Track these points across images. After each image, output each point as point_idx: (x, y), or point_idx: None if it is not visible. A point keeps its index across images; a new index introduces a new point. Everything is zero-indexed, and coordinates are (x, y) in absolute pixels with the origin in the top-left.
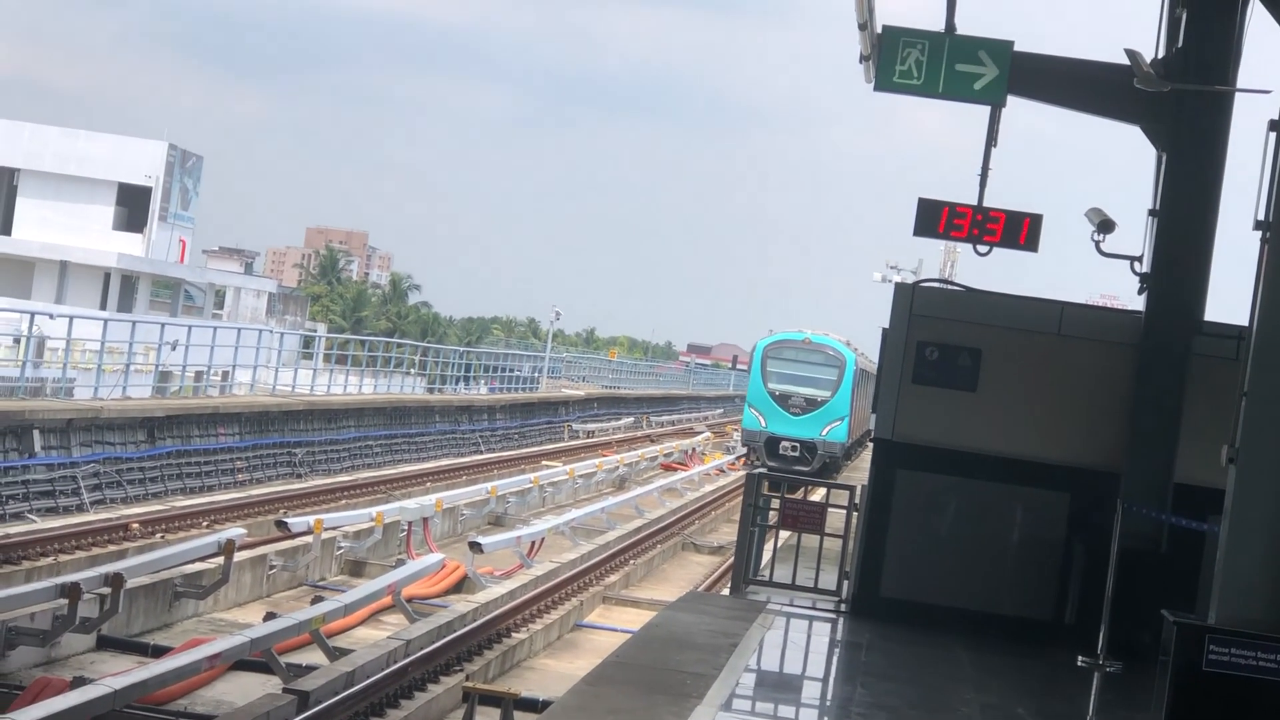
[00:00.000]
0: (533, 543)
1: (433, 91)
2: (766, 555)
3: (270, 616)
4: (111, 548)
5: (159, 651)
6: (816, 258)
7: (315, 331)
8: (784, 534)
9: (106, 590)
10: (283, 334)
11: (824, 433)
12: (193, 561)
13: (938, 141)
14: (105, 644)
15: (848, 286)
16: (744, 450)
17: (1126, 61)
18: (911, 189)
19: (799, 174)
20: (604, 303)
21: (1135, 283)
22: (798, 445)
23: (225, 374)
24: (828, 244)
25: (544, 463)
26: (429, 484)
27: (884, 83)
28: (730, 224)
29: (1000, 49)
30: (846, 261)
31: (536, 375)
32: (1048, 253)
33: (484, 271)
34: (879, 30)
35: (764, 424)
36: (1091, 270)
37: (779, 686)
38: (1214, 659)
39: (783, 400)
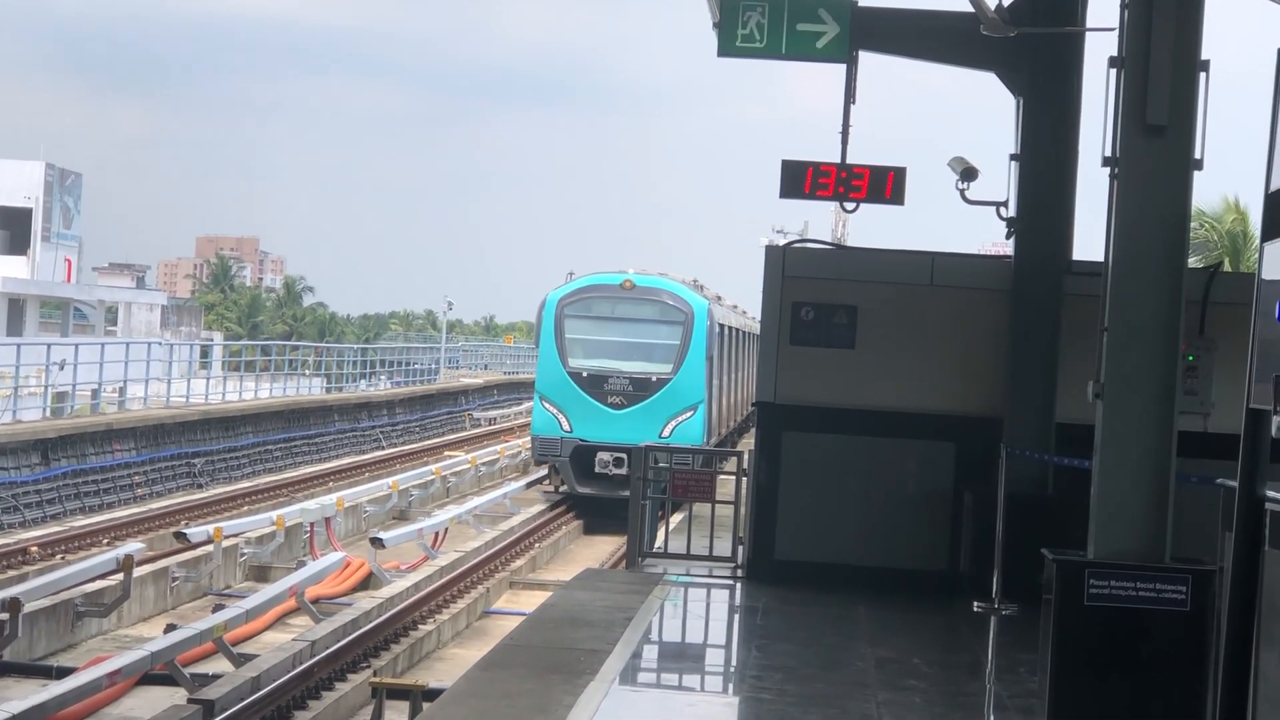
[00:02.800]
0: (436, 533)
1: (325, 95)
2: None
3: (172, 628)
4: (11, 573)
5: (62, 673)
6: (711, 230)
7: (211, 340)
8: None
9: (4, 615)
10: (173, 345)
11: (667, 432)
12: (92, 580)
13: (820, 105)
14: (6, 670)
15: (742, 255)
16: (544, 471)
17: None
18: (797, 151)
19: (688, 151)
20: (503, 291)
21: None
22: (623, 457)
23: (119, 390)
24: (721, 215)
25: (446, 453)
26: (331, 484)
27: (727, 47)
28: (626, 205)
29: (840, 6)
30: (739, 230)
31: (435, 366)
32: (947, 203)
33: (380, 269)
34: None
35: (566, 427)
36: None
37: (674, 656)
38: (1094, 593)
39: (594, 386)
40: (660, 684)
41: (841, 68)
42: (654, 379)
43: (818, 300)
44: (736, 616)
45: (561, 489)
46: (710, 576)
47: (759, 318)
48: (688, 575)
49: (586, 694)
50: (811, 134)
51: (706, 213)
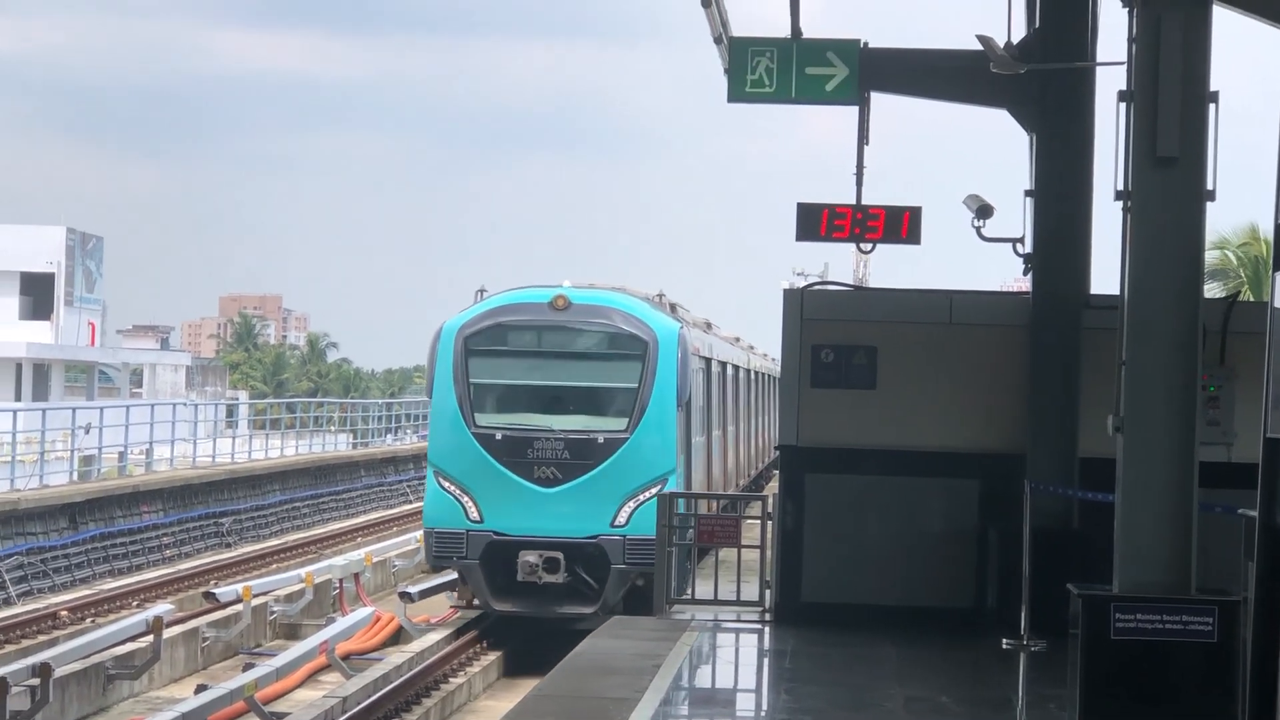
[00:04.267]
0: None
1: (337, 147)
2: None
3: (202, 689)
4: (41, 638)
5: None
6: (730, 273)
7: (237, 400)
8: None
9: (35, 681)
10: (198, 405)
11: (623, 519)
12: (123, 642)
13: (836, 139)
14: None
15: (762, 298)
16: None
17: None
18: (816, 184)
19: (704, 192)
20: None
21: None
22: (559, 558)
23: (146, 451)
24: (740, 257)
25: None
26: (359, 539)
27: (737, 93)
28: (644, 248)
29: (848, 48)
30: (758, 272)
31: None
32: (964, 240)
33: (404, 322)
34: None
35: (474, 515)
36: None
37: (703, 702)
38: (1121, 626)
39: (513, 454)
40: None
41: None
42: (601, 440)
43: (837, 342)
44: (765, 660)
45: (474, 603)
46: (738, 621)
47: (772, 355)
48: (715, 621)
49: None
50: (830, 164)
51: (724, 255)
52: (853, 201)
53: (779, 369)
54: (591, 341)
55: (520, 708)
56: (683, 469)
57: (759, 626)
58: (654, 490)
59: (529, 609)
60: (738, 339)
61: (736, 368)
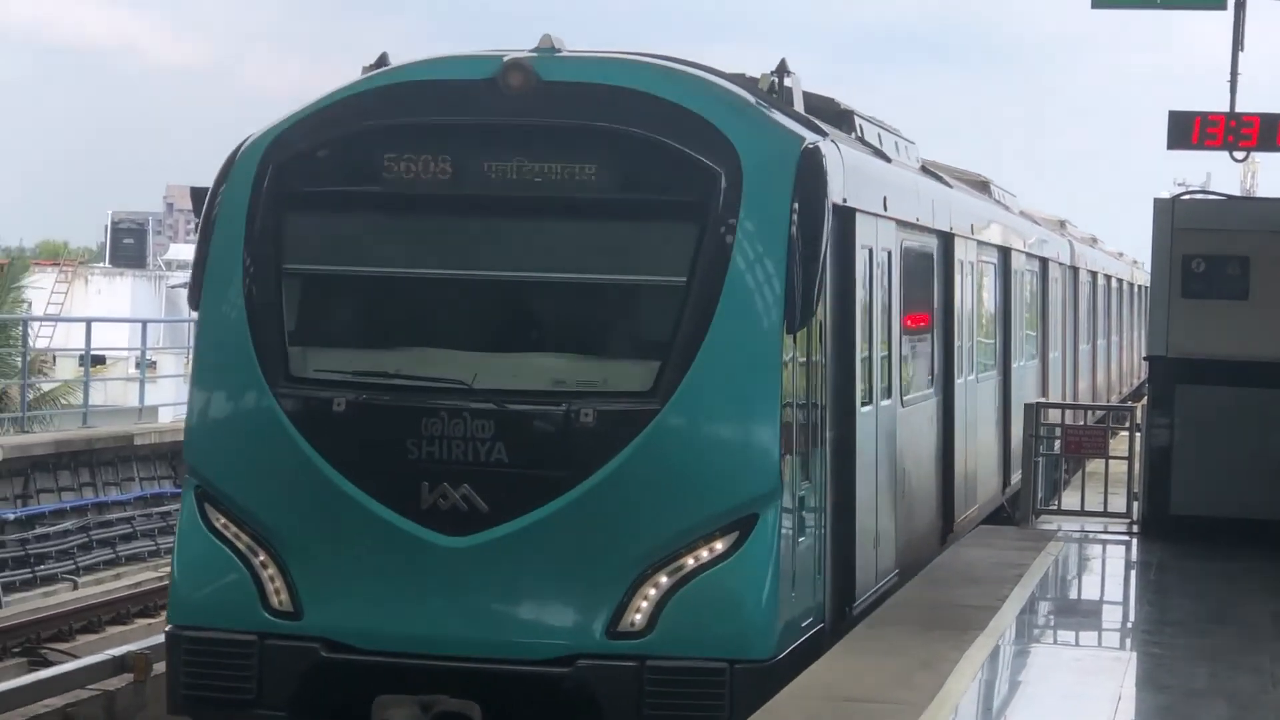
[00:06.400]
0: None
1: None
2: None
3: None
4: None
5: None
6: (1104, 184)
7: None
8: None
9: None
10: None
11: (633, 619)
12: None
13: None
14: None
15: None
16: None
17: None
18: (1191, 100)
19: (1074, 104)
20: None
21: None
22: (476, 712)
23: None
24: (1115, 169)
25: None
26: None
27: None
28: (1016, 161)
29: None
30: (1135, 184)
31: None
32: None
33: None
34: None
35: (282, 598)
36: None
37: (1064, 611)
38: None
39: (377, 450)
40: (1048, 640)
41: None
42: (589, 420)
43: (1209, 252)
44: (1131, 572)
45: None
46: (1105, 533)
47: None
48: (1081, 532)
49: (972, 650)
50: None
51: (1099, 166)
52: (1226, 109)
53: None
54: (581, 170)
55: (879, 614)
56: (821, 486)
57: (1126, 538)
58: (720, 544)
59: None
60: (1094, 239)
61: (1093, 273)
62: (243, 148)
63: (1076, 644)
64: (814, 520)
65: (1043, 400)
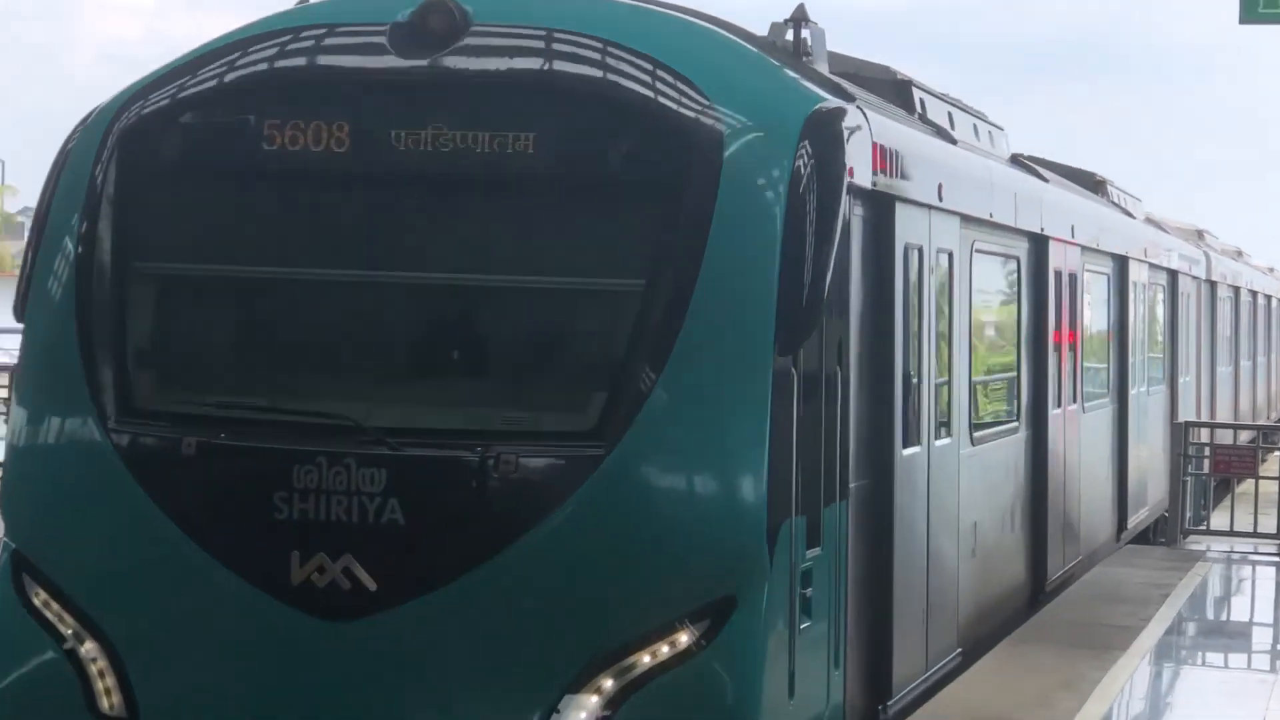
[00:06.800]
0: None
1: None
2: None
3: None
4: None
5: None
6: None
7: None
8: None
9: None
10: None
11: None
12: None
13: None
14: None
15: None
16: None
17: None
18: None
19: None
20: None
21: None
22: None
23: None
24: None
25: None
26: None
27: (1249, 13)
28: (1158, 176)
29: None
30: None
31: None
32: None
33: None
34: None
35: (113, 699)
36: None
37: (1210, 633)
38: None
39: (234, 508)
40: (1193, 661)
41: None
42: (509, 468)
43: None
44: (1274, 594)
45: None
46: (1254, 554)
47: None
48: (1230, 552)
49: (1114, 670)
50: None
51: (1258, 174)
52: None
53: None
54: (516, 140)
55: (1022, 633)
56: (841, 554)
57: (1276, 560)
58: (685, 637)
59: None
60: (1239, 251)
61: (1235, 289)
62: (90, 118)
63: (1224, 666)
64: (827, 599)
65: (1191, 420)
